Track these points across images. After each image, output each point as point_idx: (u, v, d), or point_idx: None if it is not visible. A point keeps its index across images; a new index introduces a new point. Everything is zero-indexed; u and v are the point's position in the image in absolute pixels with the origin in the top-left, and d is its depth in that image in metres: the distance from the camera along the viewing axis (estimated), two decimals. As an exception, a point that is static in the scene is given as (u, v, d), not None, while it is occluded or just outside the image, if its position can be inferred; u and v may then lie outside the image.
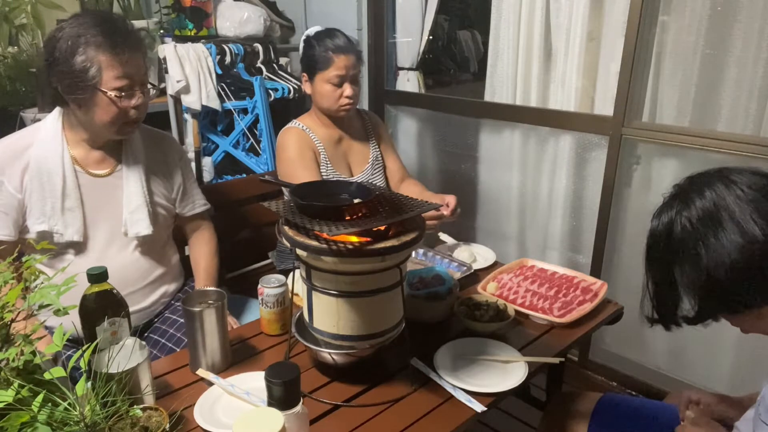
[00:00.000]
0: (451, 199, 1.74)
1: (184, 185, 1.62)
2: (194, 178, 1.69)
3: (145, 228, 1.48)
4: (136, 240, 1.49)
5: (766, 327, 0.91)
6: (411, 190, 1.95)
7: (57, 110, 1.42)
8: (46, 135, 1.40)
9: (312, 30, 1.86)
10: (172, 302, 1.63)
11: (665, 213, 0.91)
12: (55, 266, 1.43)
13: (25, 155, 1.38)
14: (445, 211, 1.71)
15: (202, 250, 1.68)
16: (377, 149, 2.00)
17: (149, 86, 1.41)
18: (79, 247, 1.44)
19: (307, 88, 1.87)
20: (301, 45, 1.86)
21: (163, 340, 1.52)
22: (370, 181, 1.93)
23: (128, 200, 1.47)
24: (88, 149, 1.44)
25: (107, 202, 1.46)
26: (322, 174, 1.83)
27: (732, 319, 0.93)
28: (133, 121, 1.40)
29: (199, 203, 1.66)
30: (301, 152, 1.80)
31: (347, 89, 1.80)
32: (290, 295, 1.32)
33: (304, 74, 1.85)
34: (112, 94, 1.32)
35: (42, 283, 0.88)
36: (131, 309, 1.47)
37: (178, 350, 1.46)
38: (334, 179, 1.83)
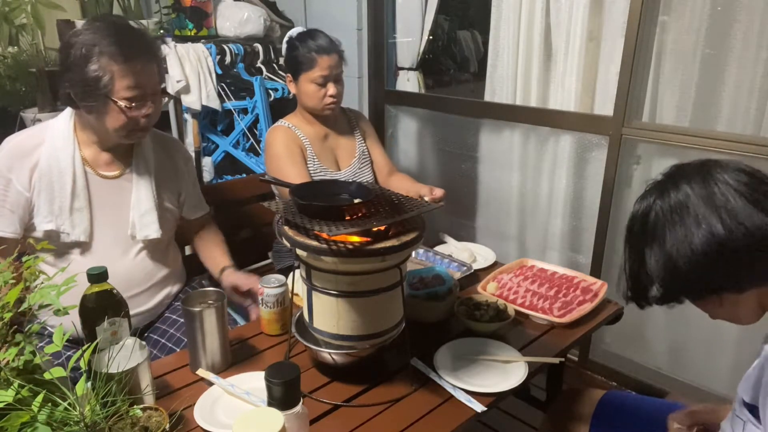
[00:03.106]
0: (438, 191, 1.77)
1: (190, 189, 1.64)
2: (197, 182, 1.70)
3: (154, 231, 1.49)
4: (141, 242, 1.50)
5: (728, 314, 0.96)
6: (400, 184, 1.98)
7: (69, 110, 1.43)
8: (58, 134, 1.40)
9: (294, 31, 1.91)
10: (173, 302, 1.63)
11: (646, 199, 0.96)
12: (59, 266, 1.43)
13: (35, 153, 1.38)
14: (428, 197, 1.75)
15: (212, 239, 1.71)
16: (363, 144, 2.04)
17: (161, 94, 1.42)
18: (85, 248, 1.44)
19: (292, 88, 1.91)
20: (284, 46, 1.91)
21: (163, 340, 1.52)
22: (357, 174, 1.97)
23: (138, 203, 1.48)
24: (99, 151, 1.45)
25: (114, 203, 1.47)
26: (310, 169, 1.86)
27: (697, 304, 0.98)
28: (143, 128, 1.41)
29: (202, 206, 1.69)
30: (288, 149, 1.84)
31: (331, 88, 1.84)
32: (290, 295, 1.32)
33: (289, 75, 1.89)
34: (122, 103, 1.33)
35: (42, 283, 0.88)
36: (136, 311, 1.48)
37: (178, 350, 1.46)
38: (322, 174, 1.87)
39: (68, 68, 1.32)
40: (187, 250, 1.81)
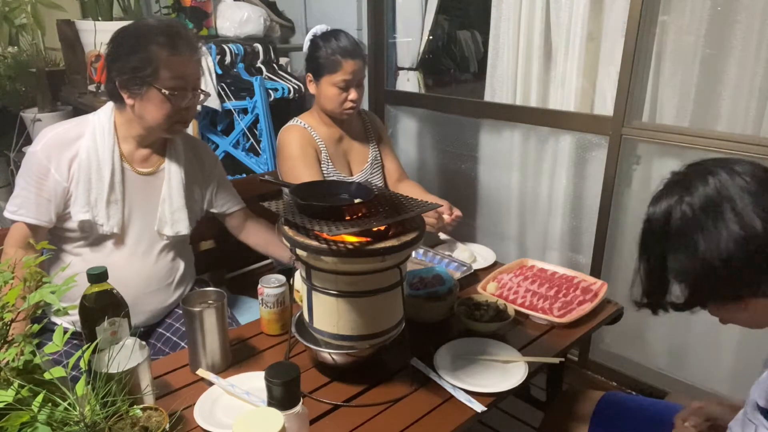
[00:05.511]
0: (456, 212, 1.75)
1: (219, 188, 1.67)
2: (226, 179, 1.73)
3: (185, 228, 1.53)
4: (166, 239, 1.52)
5: (747, 318, 0.91)
6: (411, 191, 1.95)
7: (110, 106, 1.47)
8: (100, 128, 1.44)
9: (318, 29, 1.85)
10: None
11: (665, 199, 0.90)
12: (93, 256, 1.46)
13: (75, 145, 1.41)
14: (447, 216, 1.72)
15: (265, 225, 1.75)
16: (376, 149, 2.00)
17: (200, 91, 1.46)
18: (117, 239, 1.47)
19: (311, 88, 1.87)
20: (307, 44, 1.85)
21: (168, 334, 1.54)
22: (369, 180, 1.93)
23: (170, 200, 1.51)
24: (136, 147, 1.48)
25: (145, 199, 1.50)
26: (323, 173, 1.83)
27: (716, 310, 0.93)
28: (182, 121, 1.45)
29: (237, 200, 1.73)
30: (304, 150, 1.81)
31: (352, 93, 1.81)
32: (292, 291, 1.32)
33: (309, 74, 1.85)
34: (166, 92, 1.37)
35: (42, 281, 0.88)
36: (153, 308, 1.52)
37: (182, 344, 1.49)
38: (334, 178, 1.84)
39: (117, 58, 1.37)
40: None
